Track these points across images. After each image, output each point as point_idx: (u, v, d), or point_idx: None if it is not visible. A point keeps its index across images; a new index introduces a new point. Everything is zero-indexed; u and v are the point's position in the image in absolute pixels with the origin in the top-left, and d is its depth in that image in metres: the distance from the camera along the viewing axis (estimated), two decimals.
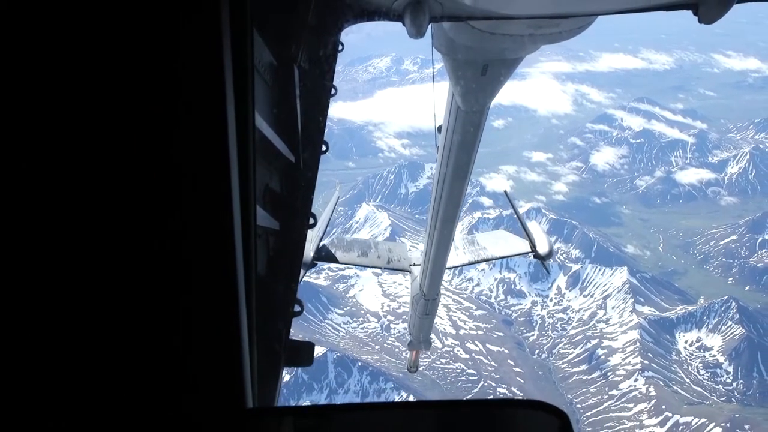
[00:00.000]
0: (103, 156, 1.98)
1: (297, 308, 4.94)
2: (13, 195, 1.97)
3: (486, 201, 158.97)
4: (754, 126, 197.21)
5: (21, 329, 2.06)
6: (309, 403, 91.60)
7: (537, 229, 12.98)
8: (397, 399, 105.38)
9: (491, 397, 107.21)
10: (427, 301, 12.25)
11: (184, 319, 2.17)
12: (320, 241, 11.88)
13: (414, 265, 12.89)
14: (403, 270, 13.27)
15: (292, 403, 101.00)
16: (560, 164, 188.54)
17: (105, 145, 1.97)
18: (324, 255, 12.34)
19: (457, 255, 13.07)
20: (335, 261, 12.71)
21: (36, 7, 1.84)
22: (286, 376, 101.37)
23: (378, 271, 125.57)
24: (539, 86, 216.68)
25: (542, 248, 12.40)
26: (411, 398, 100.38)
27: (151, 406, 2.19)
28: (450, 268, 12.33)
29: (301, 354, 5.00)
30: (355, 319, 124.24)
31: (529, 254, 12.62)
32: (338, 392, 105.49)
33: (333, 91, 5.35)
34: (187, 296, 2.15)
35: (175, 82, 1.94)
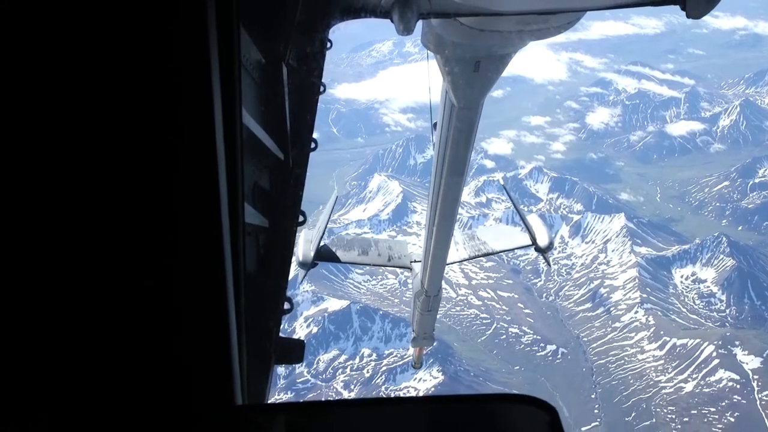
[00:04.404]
0: (89, 154, 1.95)
1: (287, 306, 4.99)
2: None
3: (489, 163, 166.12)
4: (744, 81, 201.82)
5: (11, 323, 2.06)
6: (337, 351, 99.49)
7: (537, 221, 12.53)
8: None
9: (504, 337, 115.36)
10: (428, 298, 12.07)
11: (172, 317, 2.17)
12: (320, 241, 11.80)
13: (415, 261, 12.72)
14: (404, 267, 13.08)
15: (321, 353, 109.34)
16: (558, 126, 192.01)
17: (91, 143, 1.95)
18: (325, 254, 12.23)
19: (457, 250, 12.84)
20: (337, 260, 12.69)
21: (21, 6, 1.81)
22: (313, 328, 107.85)
23: (393, 233, 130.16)
24: (535, 57, 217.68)
25: (542, 241, 12.03)
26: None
27: (139, 404, 2.20)
28: (451, 264, 12.19)
29: (292, 352, 5.06)
30: (374, 277, 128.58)
31: (530, 247, 12.36)
32: (363, 339, 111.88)
33: (322, 89, 5.29)
34: (175, 294, 2.14)
35: (162, 80, 1.91)
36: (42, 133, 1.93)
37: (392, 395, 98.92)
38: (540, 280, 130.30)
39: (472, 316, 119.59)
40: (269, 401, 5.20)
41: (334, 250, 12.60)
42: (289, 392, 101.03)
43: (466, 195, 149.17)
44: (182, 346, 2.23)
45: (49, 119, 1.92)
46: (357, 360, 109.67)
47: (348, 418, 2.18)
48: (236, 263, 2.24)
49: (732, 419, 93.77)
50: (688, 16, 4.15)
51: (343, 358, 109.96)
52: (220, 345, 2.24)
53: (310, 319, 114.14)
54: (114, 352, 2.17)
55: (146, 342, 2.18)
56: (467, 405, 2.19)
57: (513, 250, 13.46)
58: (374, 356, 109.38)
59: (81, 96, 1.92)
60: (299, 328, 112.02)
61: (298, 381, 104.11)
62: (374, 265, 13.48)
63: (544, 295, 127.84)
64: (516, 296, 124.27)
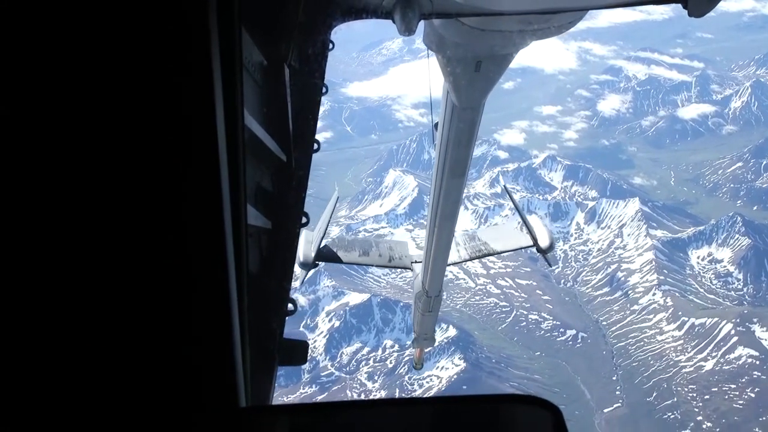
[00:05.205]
0: (90, 156, 1.94)
1: (290, 307, 4.97)
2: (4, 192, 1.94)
3: (502, 154, 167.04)
4: (754, 63, 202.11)
5: (14, 325, 2.05)
6: (360, 344, 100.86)
7: (538, 222, 12.50)
8: (438, 332, 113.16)
9: (524, 324, 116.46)
10: (429, 298, 12.07)
11: (175, 318, 2.15)
12: (321, 242, 11.78)
13: (415, 262, 12.73)
14: (405, 267, 12.99)
15: (345, 346, 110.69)
16: (569, 115, 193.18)
17: (92, 145, 1.93)
18: (326, 255, 12.22)
19: (458, 251, 12.82)
20: (338, 261, 12.64)
21: (23, 7, 1.79)
22: (335, 322, 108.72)
23: (410, 227, 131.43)
24: (544, 47, 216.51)
25: (543, 242, 11.92)
26: (451, 330, 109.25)
27: (142, 405, 2.18)
28: (451, 264, 12.19)
29: (295, 353, 5.05)
30: (393, 270, 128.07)
31: (531, 248, 12.30)
32: (385, 331, 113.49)
33: (324, 90, 5.28)
34: (178, 296, 2.13)
35: (164, 82, 1.90)
36: (44, 135, 1.93)
37: (415, 385, 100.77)
38: (557, 267, 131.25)
39: (492, 304, 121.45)
40: (273, 402, 5.19)
41: (335, 250, 12.63)
42: (313, 386, 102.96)
43: (481, 186, 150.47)
44: (185, 348, 2.24)
45: (51, 121, 1.92)
46: (380, 351, 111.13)
47: (352, 420, 2.20)
48: (239, 265, 2.27)
49: (752, 395, 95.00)
50: (690, 15, 4.10)
51: (366, 350, 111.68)
52: (224, 346, 2.26)
53: (332, 314, 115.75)
54: (116, 353, 2.18)
55: (149, 343, 2.19)
56: (472, 406, 2.20)
57: (514, 250, 13.37)
58: (396, 347, 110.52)
59: (82, 98, 1.92)
60: (321, 323, 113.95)
61: (323, 374, 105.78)
62: (375, 265, 13.51)
63: (562, 281, 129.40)
64: (534, 283, 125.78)
